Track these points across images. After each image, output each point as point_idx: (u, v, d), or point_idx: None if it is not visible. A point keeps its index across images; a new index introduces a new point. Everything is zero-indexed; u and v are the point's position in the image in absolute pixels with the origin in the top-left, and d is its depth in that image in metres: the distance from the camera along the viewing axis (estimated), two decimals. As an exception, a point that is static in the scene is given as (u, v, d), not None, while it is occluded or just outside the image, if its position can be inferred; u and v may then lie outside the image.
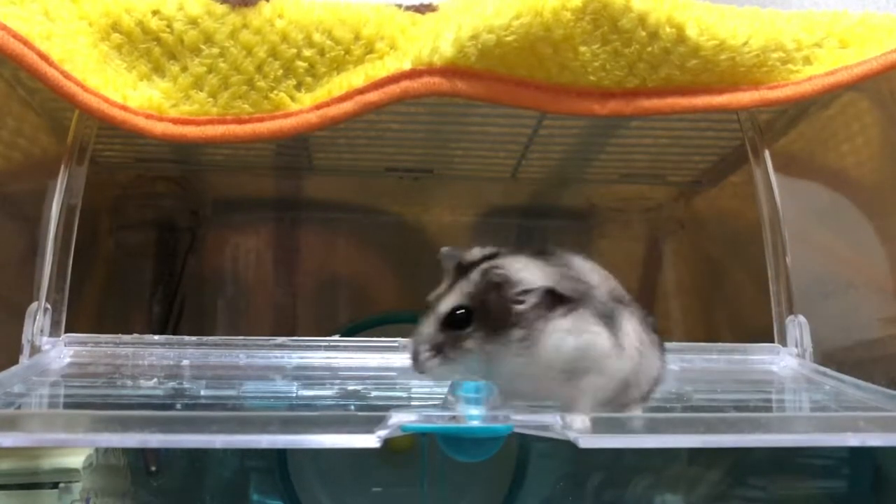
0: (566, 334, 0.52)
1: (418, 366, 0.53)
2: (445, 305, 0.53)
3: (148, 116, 0.65)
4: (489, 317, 0.52)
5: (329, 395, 0.63)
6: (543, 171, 0.96)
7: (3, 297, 0.74)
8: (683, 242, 1.03)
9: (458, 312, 0.53)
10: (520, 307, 0.52)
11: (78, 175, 0.70)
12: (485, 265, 0.54)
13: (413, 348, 0.54)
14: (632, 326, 0.55)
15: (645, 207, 1.04)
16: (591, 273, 0.57)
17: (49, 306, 0.65)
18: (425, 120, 0.81)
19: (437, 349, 0.53)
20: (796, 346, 0.70)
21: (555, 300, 0.53)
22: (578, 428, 0.48)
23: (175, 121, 0.66)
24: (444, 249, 0.57)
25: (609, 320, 0.54)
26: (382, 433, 0.46)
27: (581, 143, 0.88)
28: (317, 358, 0.68)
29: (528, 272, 0.53)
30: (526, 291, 0.53)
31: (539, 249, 0.57)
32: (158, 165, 0.94)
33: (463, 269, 0.55)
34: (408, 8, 0.70)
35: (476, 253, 0.56)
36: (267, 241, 1.02)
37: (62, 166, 0.70)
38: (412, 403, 0.62)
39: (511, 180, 0.97)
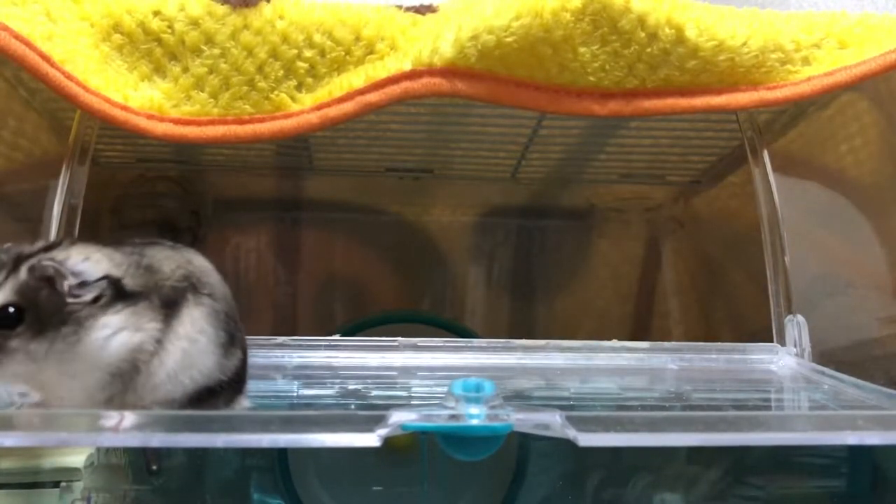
0: (116, 331, 0.49)
1: None
2: None
3: (149, 117, 0.66)
4: (42, 314, 0.47)
5: (329, 394, 0.64)
6: (543, 172, 0.96)
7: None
8: (683, 242, 1.03)
9: (5, 310, 0.47)
10: (75, 301, 0.48)
11: (79, 175, 0.70)
12: (34, 260, 0.48)
13: None
14: (194, 317, 0.52)
15: (644, 207, 1.04)
16: (165, 261, 0.53)
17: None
18: (425, 120, 0.81)
19: None
20: (795, 346, 0.70)
21: (119, 293, 0.49)
22: (110, 426, 0.45)
23: (176, 121, 0.66)
24: (5, 246, 0.51)
25: (169, 310, 0.51)
26: (383, 432, 0.46)
27: (581, 144, 0.88)
28: (317, 357, 0.68)
29: (88, 263, 0.49)
30: (84, 284, 0.48)
31: (115, 240, 0.53)
32: (159, 165, 0.94)
33: (19, 262, 0.49)
34: (408, 9, 0.70)
35: (36, 245, 0.51)
36: (267, 241, 1.02)
37: (63, 166, 0.70)
38: (412, 402, 0.62)
39: (511, 180, 0.97)
